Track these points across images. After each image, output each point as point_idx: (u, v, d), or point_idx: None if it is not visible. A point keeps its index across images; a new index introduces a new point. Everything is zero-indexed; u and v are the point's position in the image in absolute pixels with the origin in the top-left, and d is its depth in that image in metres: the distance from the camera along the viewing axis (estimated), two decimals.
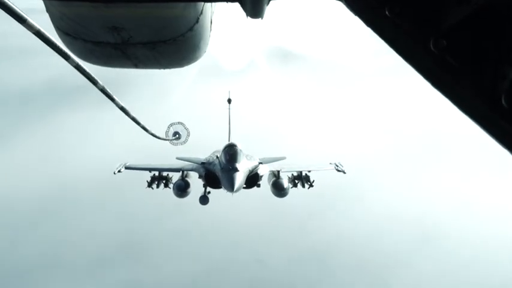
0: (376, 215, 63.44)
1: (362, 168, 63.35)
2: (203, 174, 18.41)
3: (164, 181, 20.38)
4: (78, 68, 3.60)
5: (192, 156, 19.96)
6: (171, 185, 20.23)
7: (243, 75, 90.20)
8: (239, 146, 16.74)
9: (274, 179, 19.85)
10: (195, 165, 19.31)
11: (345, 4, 2.38)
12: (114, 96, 4.92)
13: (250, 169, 17.34)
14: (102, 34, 3.10)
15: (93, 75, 3.92)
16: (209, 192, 19.16)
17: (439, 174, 69.50)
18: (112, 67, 4.00)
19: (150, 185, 20.33)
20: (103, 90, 4.46)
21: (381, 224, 62.49)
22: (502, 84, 2.01)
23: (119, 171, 20.74)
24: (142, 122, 7.17)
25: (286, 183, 19.61)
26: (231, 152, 16.33)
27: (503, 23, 2.02)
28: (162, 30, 3.14)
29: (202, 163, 18.61)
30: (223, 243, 62.10)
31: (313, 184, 20.14)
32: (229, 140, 21.65)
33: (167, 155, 22.36)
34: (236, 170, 15.65)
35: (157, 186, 20.30)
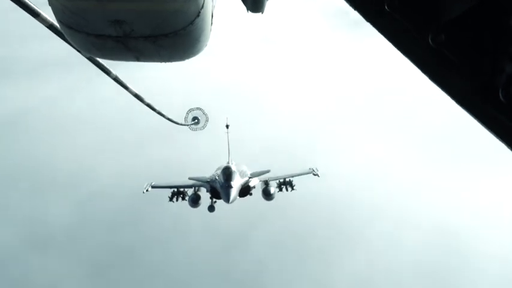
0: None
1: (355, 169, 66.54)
2: (209, 189, 24.68)
3: (182, 195, 26.72)
4: (91, 59, 3.69)
5: (200, 176, 26.12)
6: (187, 198, 26.60)
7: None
8: (233, 168, 22.90)
9: (264, 186, 25.93)
10: (203, 183, 25.56)
11: None
12: (128, 85, 4.95)
13: (243, 184, 23.44)
14: (104, 27, 3.16)
15: (106, 65, 3.95)
16: (215, 202, 25.42)
17: (436, 170, 70.11)
18: (114, 60, 4.06)
19: (171, 199, 26.70)
20: (116, 79, 4.51)
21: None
22: (499, 78, 2.05)
23: (147, 190, 27.22)
24: (158, 108, 6.89)
25: (273, 189, 25.64)
26: (227, 173, 22.54)
27: (501, 18, 2.06)
28: (163, 24, 3.20)
29: (207, 181, 24.81)
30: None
31: (294, 188, 26.07)
32: (229, 159, 27.83)
33: None
34: (231, 186, 21.85)
35: (177, 200, 26.65)
